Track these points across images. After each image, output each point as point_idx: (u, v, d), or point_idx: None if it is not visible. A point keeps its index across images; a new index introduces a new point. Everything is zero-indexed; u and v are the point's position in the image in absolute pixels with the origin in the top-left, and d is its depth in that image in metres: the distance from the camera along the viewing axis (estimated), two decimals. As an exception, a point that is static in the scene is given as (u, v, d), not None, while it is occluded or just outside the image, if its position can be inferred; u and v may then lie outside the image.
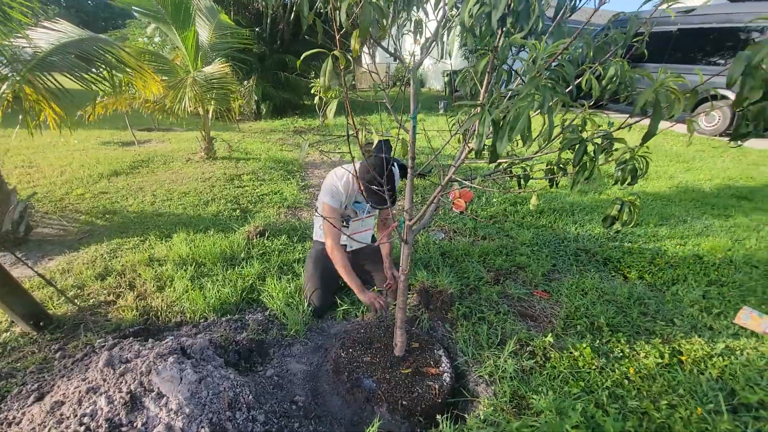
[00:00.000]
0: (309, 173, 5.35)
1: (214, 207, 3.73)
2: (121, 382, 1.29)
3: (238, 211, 3.67)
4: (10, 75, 2.70)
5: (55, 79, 2.87)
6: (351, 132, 1.43)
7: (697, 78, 1.08)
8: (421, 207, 2.42)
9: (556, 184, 1.61)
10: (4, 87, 2.67)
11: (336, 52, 1.20)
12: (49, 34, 3.03)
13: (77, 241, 3.01)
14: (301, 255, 2.86)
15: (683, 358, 1.92)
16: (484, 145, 1.19)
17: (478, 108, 1.22)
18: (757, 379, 1.77)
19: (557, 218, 3.73)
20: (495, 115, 1.04)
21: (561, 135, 1.30)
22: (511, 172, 1.75)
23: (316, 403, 1.66)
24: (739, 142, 1.11)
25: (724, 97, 7.67)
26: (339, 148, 6.87)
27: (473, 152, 1.65)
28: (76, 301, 2.15)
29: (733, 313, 2.28)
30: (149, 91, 3.74)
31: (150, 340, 1.62)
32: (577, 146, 1.18)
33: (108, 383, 1.30)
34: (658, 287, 2.63)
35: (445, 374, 1.81)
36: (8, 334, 1.88)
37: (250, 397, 1.42)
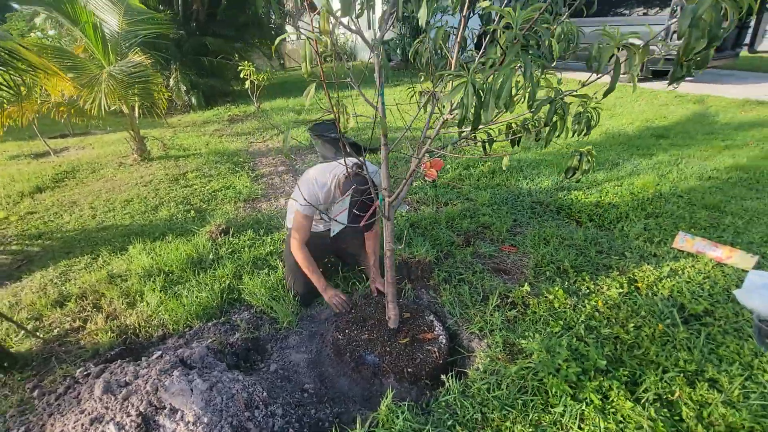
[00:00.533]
0: (258, 162, 5.14)
1: (165, 211, 3.49)
2: (128, 406, 1.23)
3: (192, 212, 3.47)
4: None
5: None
6: (327, 114, 1.41)
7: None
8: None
9: (518, 144, 1.71)
10: None
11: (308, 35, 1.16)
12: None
13: (15, 270, 2.70)
14: (272, 247, 2.80)
15: (639, 285, 2.18)
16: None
17: (455, 78, 1.25)
18: (699, 291, 2.07)
19: (509, 176, 3.95)
20: (479, 84, 1.08)
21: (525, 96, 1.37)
22: (475, 137, 1.82)
23: (325, 388, 1.70)
24: (674, 85, 1.26)
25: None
26: (279, 134, 6.64)
27: (448, 122, 1.71)
28: (37, 333, 1.96)
29: (671, 240, 2.61)
30: (58, 92, 3.32)
31: (143, 359, 1.53)
32: (548, 106, 1.27)
33: (113, 410, 1.23)
34: (606, 227, 2.92)
35: (441, 337, 1.92)
36: (-32, 382, 1.69)
37: (264, 393, 1.42)
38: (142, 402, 1.24)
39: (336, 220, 2.09)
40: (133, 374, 1.37)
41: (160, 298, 2.19)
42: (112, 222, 3.35)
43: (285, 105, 9.44)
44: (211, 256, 2.67)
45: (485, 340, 1.92)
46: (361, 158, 1.98)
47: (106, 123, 5.33)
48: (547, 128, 1.32)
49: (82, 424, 1.21)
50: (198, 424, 1.21)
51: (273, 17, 11.86)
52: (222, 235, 2.98)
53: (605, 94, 1.22)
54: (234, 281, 2.40)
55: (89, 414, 1.26)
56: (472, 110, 1.17)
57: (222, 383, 1.35)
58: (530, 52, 1.10)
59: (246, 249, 2.79)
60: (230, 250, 2.77)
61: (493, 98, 1.07)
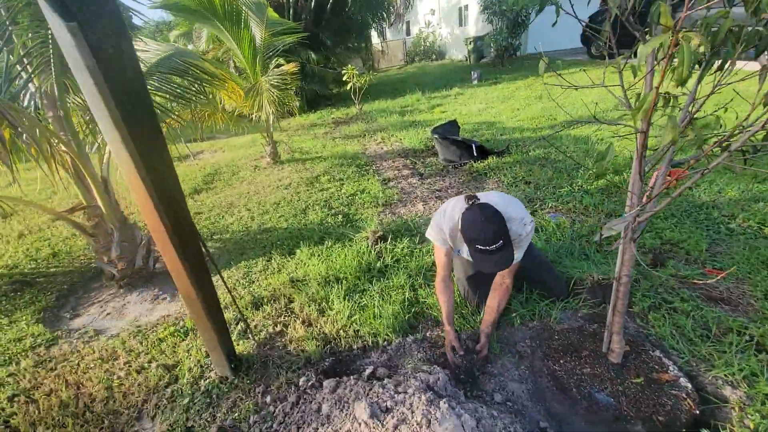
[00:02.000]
0: (380, 165, 5.17)
1: (314, 215, 3.62)
2: (401, 437, 1.19)
3: (340, 216, 3.55)
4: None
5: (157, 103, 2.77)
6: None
7: None
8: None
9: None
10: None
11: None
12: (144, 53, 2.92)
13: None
14: (431, 258, 2.71)
15: None
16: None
17: None
18: None
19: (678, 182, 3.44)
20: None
21: None
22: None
23: (560, 427, 1.54)
24: None
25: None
26: (390, 136, 6.66)
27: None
28: (253, 335, 2.08)
29: None
30: (231, 100, 3.61)
31: (386, 380, 1.51)
32: None
33: (385, 438, 1.19)
34: None
35: (681, 379, 1.65)
36: (207, 381, 1.83)
37: (520, 429, 1.30)
38: (414, 433, 1.18)
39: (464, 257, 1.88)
40: (390, 397, 1.33)
41: (348, 307, 2.21)
42: (269, 224, 3.55)
43: (386, 106, 9.53)
44: (378, 265, 2.66)
45: (739, 389, 1.61)
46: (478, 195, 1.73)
47: (234, 127, 5.80)
48: None
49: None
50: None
51: (371, 23, 12.07)
52: (380, 241, 2.97)
53: None
54: (410, 293, 2.35)
55: (357, 437, 1.23)
56: None
57: (485, 419, 1.25)
58: None
59: (408, 257, 2.75)
60: (393, 258, 2.75)
61: None
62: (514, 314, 2.13)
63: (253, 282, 2.66)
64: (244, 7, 4.63)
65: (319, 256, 2.84)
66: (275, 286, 2.53)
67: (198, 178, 5.06)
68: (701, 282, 2.26)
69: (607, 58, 1.52)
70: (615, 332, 1.71)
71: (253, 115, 4.73)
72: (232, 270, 2.84)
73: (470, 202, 1.68)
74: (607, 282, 2.24)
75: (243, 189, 4.58)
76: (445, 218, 1.84)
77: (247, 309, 2.33)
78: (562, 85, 1.44)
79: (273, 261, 2.89)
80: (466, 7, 16.23)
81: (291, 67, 4.43)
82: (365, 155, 5.71)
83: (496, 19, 12.72)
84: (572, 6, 1.29)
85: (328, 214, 3.62)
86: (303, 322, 2.17)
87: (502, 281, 1.95)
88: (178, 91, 2.91)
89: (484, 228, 1.53)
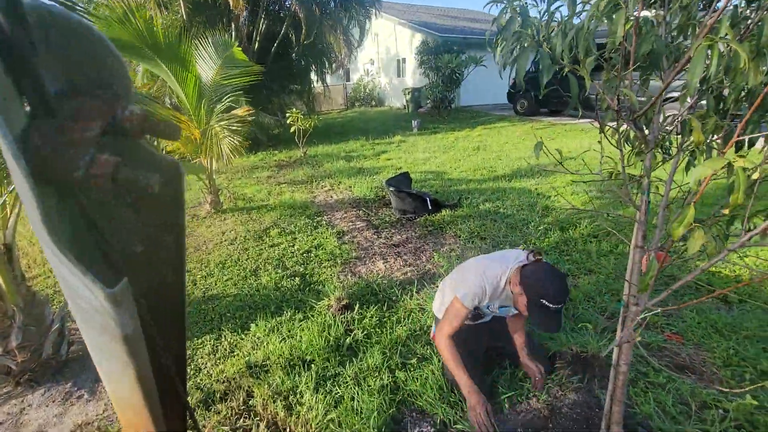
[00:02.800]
0: (332, 216, 4.97)
1: (266, 277, 3.28)
2: None
3: (297, 279, 3.25)
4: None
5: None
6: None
7: None
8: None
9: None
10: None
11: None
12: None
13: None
14: (406, 329, 2.53)
15: None
16: None
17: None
18: None
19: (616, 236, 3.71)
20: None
21: None
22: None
23: None
24: None
25: None
26: (339, 183, 6.55)
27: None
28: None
29: None
30: (177, 144, 3.26)
31: None
32: None
33: None
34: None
35: (680, 469, 1.61)
36: None
37: None
38: None
39: (497, 313, 1.88)
40: None
41: (322, 401, 1.92)
42: (215, 289, 3.13)
43: (331, 150, 9.46)
44: (347, 340, 2.41)
45: (732, 474, 1.61)
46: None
47: None
48: None
49: None
50: None
51: (313, 68, 12.21)
52: (345, 310, 2.73)
53: None
54: (388, 377, 2.12)
55: None
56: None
57: None
58: None
59: (377, 329, 2.54)
60: (364, 332, 2.51)
61: None
62: (502, 397, 2.01)
63: (201, 370, 2.24)
64: (195, 46, 4.35)
65: (278, 331, 2.51)
66: (229, 375, 2.15)
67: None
68: (665, 347, 2.35)
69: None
70: (614, 422, 1.65)
71: (197, 160, 4.33)
72: (172, 353, 2.39)
73: (536, 257, 1.70)
74: (586, 355, 2.23)
75: (179, 244, 4.07)
76: (486, 279, 1.79)
77: (196, 410, 1.92)
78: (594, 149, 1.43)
79: (223, 339, 2.49)
80: (404, 60, 17.26)
81: (244, 110, 4.17)
82: (315, 204, 5.48)
83: (432, 74, 13.62)
84: (500, 69, 1.33)
85: (283, 276, 3.30)
86: (268, 426, 1.83)
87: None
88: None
89: (556, 284, 1.55)
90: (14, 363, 2.11)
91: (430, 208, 4.71)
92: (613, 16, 1.20)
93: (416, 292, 2.99)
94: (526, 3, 1.42)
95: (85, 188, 0.26)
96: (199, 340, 2.50)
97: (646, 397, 1.97)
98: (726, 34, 0.99)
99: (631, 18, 1.18)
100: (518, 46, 1.25)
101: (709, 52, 0.97)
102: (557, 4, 1.43)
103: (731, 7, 1.25)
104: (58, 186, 0.27)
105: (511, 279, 1.77)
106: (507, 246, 3.72)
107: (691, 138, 1.00)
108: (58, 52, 0.32)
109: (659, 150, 1.61)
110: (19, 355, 2.11)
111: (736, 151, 1.46)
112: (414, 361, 2.25)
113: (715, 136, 1.34)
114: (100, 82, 0.35)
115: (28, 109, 0.28)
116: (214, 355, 2.37)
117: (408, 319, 2.64)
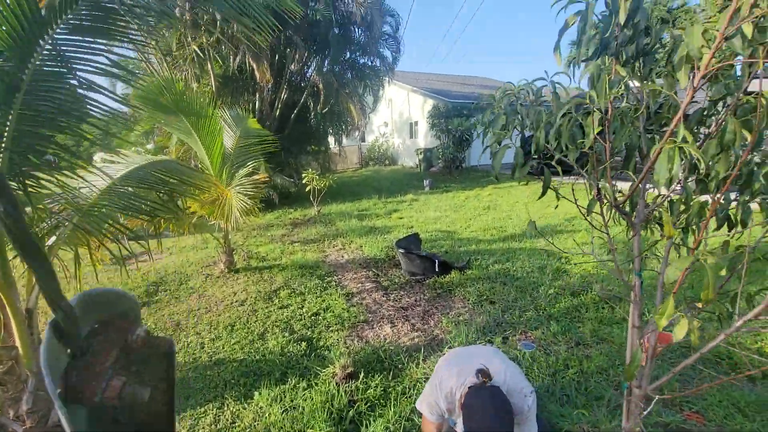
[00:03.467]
0: (341, 277, 5.02)
1: (273, 341, 3.29)
2: None
3: (303, 343, 3.25)
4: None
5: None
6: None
7: None
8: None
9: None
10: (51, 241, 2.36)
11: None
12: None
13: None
14: (410, 403, 2.47)
15: None
16: None
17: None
18: None
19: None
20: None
21: None
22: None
23: None
24: None
25: None
26: (350, 242, 6.67)
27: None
28: None
29: None
30: (196, 205, 3.47)
31: None
32: None
33: None
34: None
35: None
36: None
37: None
38: None
39: None
40: None
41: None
42: (222, 353, 3.15)
43: (344, 209, 9.72)
44: (350, 413, 2.36)
45: None
46: (485, 365, 1.52)
47: (184, 228, 5.51)
48: None
49: None
50: None
51: (330, 132, 12.98)
52: (350, 379, 2.70)
53: None
54: (392, 455, 2.06)
55: None
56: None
57: None
58: None
59: (381, 400, 2.49)
60: (367, 403, 2.47)
61: None
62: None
63: (202, 444, 2.22)
64: (221, 120, 4.75)
65: (281, 401, 2.49)
66: (230, 450, 2.12)
67: (140, 289, 4.55)
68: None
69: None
70: None
71: (214, 221, 4.53)
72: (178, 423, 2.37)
73: (481, 380, 1.47)
74: (598, 435, 2.13)
75: (192, 304, 4.16)
76: (441, 392, 1.61)
77: (192, 488, 1.89)
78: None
79: (226, 408, 2.48)
80: (416, 122, 18.16)
81: (262, 176, 4.44)
82: (326, 264, 5.57)
83: (443, 135, 14.24)
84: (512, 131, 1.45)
85: (290, 340, 3.31)
86: (264, 507, 1.77)
87: None
88: (144, 206, 2.73)
89: (492, 423, 1.33)
90: (22, 429, 2.13)
91: (437, 270, 4.73)
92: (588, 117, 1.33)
93: (422, 360, 2.94)
94: (513, 95, 1.59)
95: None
96: (202, 409, 2.48)
97: (664, 487, 1.85)
98: (684, 138, 1.09)
99: (603, 119, 1.31)
100: (496, 144, 1.38)
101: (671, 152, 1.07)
102: (542, 99, 1.59)
103: (699, 108, 1.38)
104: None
105: (462, 393, 1.53)
106: (516, 312, 3.68)
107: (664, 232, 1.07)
108: (93, 311, 0.45)
109: (657, 225, 1.68)
110: (28, 421, 2.13)
111: (729, 230, 1.52)
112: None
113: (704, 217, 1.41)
114: (120, 313, 0.48)
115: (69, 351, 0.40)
116: (216, 425, 2.34)
117: (413, 390, 2.59)
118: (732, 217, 1.42)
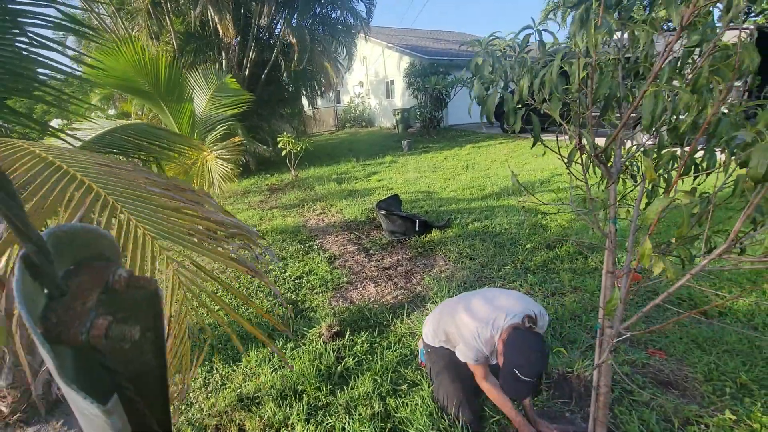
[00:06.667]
0: (323, 240, 5.02)
1: (258, 304, 3.30)
2: None
3: (289, 306, 3.28)
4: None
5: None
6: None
7: None
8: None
9: None
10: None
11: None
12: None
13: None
14: (396, 354, 2.57)
15: None
16: None
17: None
18: None
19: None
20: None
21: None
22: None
23: None
24: None
25: None
26: (330, 206, 6.62)
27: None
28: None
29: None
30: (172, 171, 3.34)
31: None
32: None
33: None
34: (743, 321, 2.71)
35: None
36: None
37: None
38: None
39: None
40: None
41: (312, 432, 1.94)
42: (208, 318, 3.14)
43: (322, 173, 9.57)
44: (339, 369, 2.44)
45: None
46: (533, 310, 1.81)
47: None
48: None
49: None
50: None
51: (304, 93, 12.49)
52: (336, 337, 2.76)
53: None
54: (379, 404, 2.15)
55: None
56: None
57: None
58: None
59: (368, 356, 2.57)
60: (355, 359, 2.54)
61: None
62: (491, 420, 2.04)
63: (192, 404, 2.25)
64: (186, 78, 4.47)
65: (270, 361, 2.53)
66: (221, 409, 2.16)
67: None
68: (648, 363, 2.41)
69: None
70: (599, 440, 1.69)
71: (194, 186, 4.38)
72: (164, 387, 2.39)
73: (528, 324, 1.70)
74: (571, 376, 2.28)
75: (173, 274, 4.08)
76: (481, 342, 1.82)
77: (187, 447, 1.93)
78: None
79: (215, 372, 2.51)
80: (392, 81, 17.65)
81: (237, 139, 4.28)
82: (307, 228, 5.54)
83: (420, 95, 13.95)
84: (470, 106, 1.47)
85: (275, 303, 3.33)
86: (260, 460, 1.85)
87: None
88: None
89: (533, 360, 1.56)
90: (5, 404, 2.11)
91: (417, 229, 4.78)
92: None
93: (407, 316, 3.03)
94: (497, 49, 1.54)
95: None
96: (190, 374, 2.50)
97: (630, 416, 2.02)
98: (673, 80, 1.10)
99: (590, 64, 1.29)
100: (487, 88, 1.35)
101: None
102: (528, 48, 1.55)
103: (678, 55, 1.38)
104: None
105: (502, 333, 1.77)
106: (495, 267, 3.79)
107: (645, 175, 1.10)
108: (68, 251, 0.41)
109: (629, 177, 1.73)
110: (10, 395, 2.10)
111: (695, 178, 1.57)
112: (404, 387, 2.28)
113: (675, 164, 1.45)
114: (97, 255, 0.44)
115: (45, 291, 0.37)
116: (206, 388, 2.38)
117: (398, 344, 2.68)
118: (697, 164, 1.47)
